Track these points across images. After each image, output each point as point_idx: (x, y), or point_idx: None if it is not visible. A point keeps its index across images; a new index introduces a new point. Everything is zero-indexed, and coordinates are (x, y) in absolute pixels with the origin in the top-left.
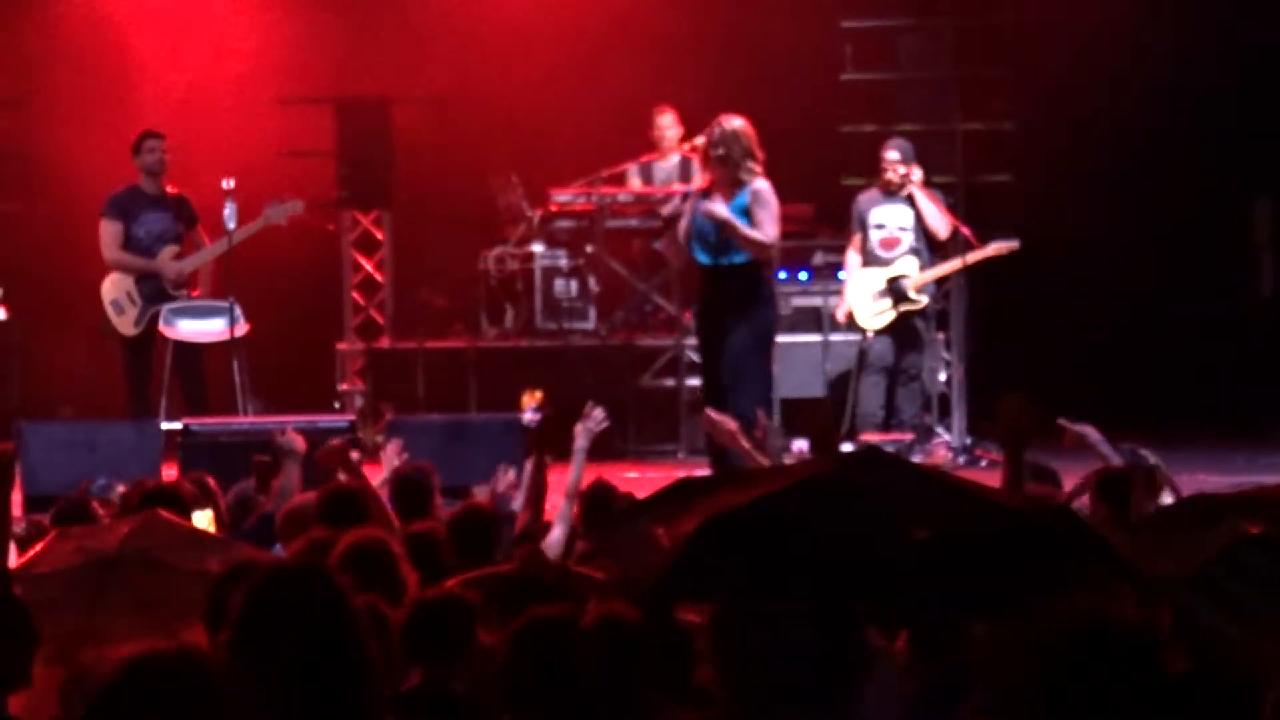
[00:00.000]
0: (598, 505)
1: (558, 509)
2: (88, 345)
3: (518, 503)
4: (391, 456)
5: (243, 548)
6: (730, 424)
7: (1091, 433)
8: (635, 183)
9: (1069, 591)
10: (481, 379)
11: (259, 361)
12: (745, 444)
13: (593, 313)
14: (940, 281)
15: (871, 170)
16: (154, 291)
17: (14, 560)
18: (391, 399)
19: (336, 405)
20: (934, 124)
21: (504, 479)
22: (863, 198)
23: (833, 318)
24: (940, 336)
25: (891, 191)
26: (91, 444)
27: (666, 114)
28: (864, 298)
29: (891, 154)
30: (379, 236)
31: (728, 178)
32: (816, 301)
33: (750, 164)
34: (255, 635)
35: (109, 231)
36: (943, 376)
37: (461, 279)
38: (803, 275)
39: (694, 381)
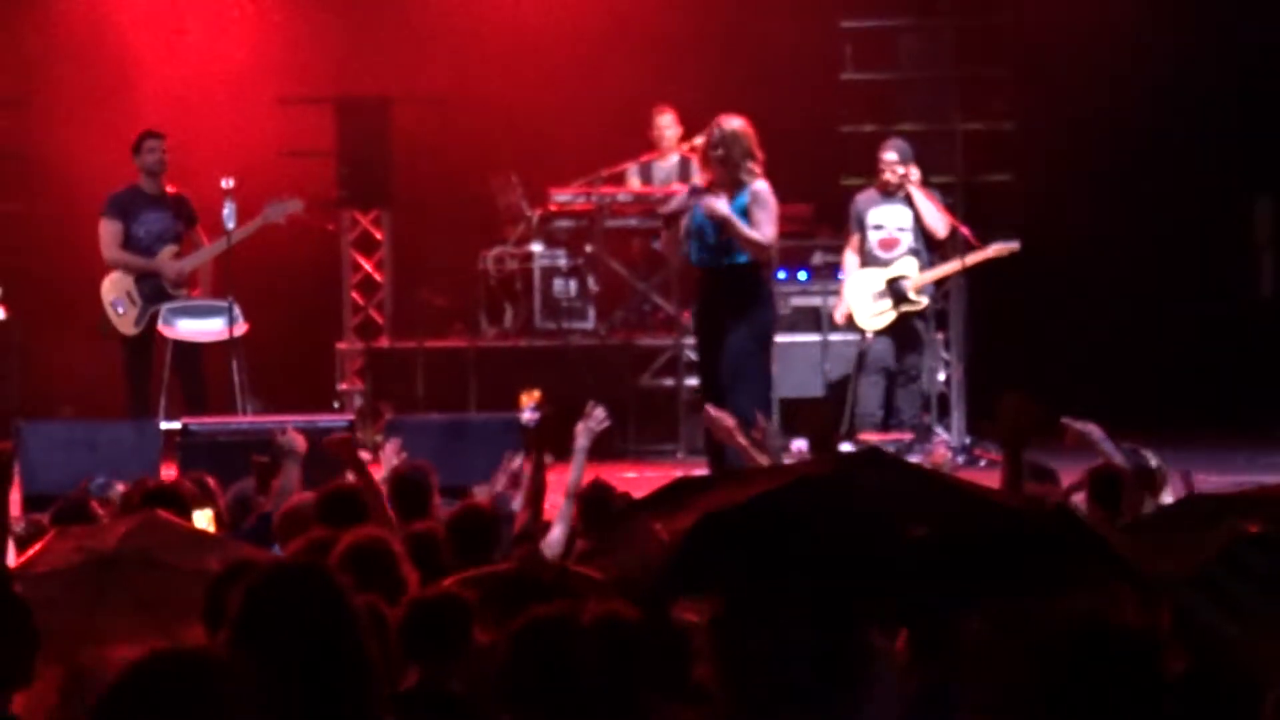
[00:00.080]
0: (596, 505)
1: (558, 508)
2: (87, 345)
3: (517, 502)
4: (390, 456)
5: (242, 547)
6: (728, 421)
7: (1094, 431)
8: (635, 182)
9: (1068, 591)
10: (481, 379)
11: (258, 361)
12: (743, 441)
13: (592, 312)
14: (939, 281)
15: (871, 170)
16: (154, 291)
17: (13, 559)
18: (391, 399)
19: (336, 405)
20: (934, 124)
21: (511, 466)
22: (860, 198)
23: (831, 318)
24: (940, 336)
25: (890, 192)
26: (91, 443)
27: (666, 114)
28: (863, 298)
29: (890, 155)
30: (378, 236)
31: (727, 179)
32: (815, 301)
33: (750, 164)
34: (254, 634)
35: (109, 231)
36: (942, 376)
37: (461, 279)
38: (802, 275)
39: (693, 381)
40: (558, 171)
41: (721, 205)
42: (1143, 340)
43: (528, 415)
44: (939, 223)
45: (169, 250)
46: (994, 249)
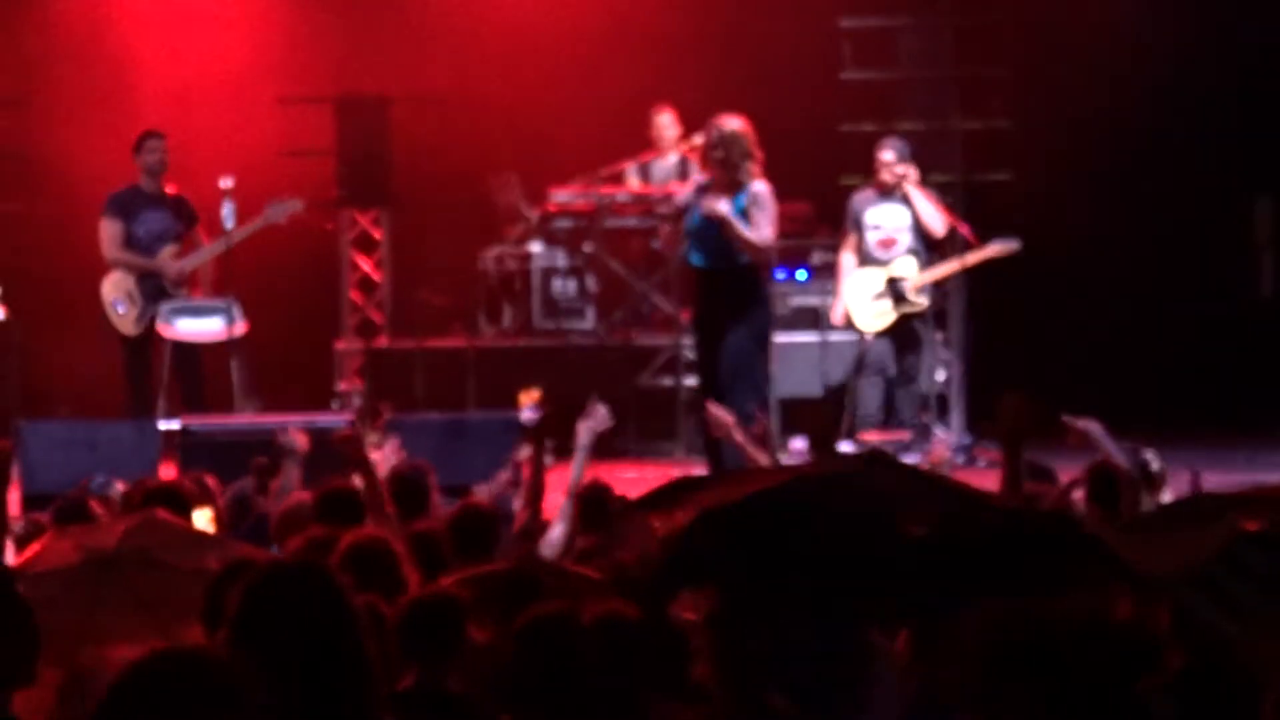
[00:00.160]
0: (593, 505)
1: (559, 507)
2: (87, 345)
3: (519, 502)
4: (389, 455)
5: (241, 546)
6: (728, 418)
7: (1095, 428)
8: (634, 182)
9: (1066, 591)
10: (480, 378)
11: (257, 360)
12: (741, 438)
13: (591, 312)
14: (939, 281)
15: (870, 169)
16: (154, 290)
17: (12, 558)
18: (390, 398)
19: (335, 404)
20: (933, 123)
21: (518, 457)
22: (857, 198)
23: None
24: (939, 336)
25: (887, 191)
26: (90, 443)
27: (665, 113)
28: (862, 299)
29: (887, 154)
30: (377, 236)
31: (726, 179)
32: (814, 301)
33: (749, 165)
34: (252, 633)
35: (109, 230)
36: (941, 376)
37: (460, 278)
38: (801, 274)
39: (692, 381)
40: (557, 171)
41: (722, 206)
42: (1142, 340)
43: (527, 414)
44: (937, 222)
45: (169, 250)
46: (993, 248)
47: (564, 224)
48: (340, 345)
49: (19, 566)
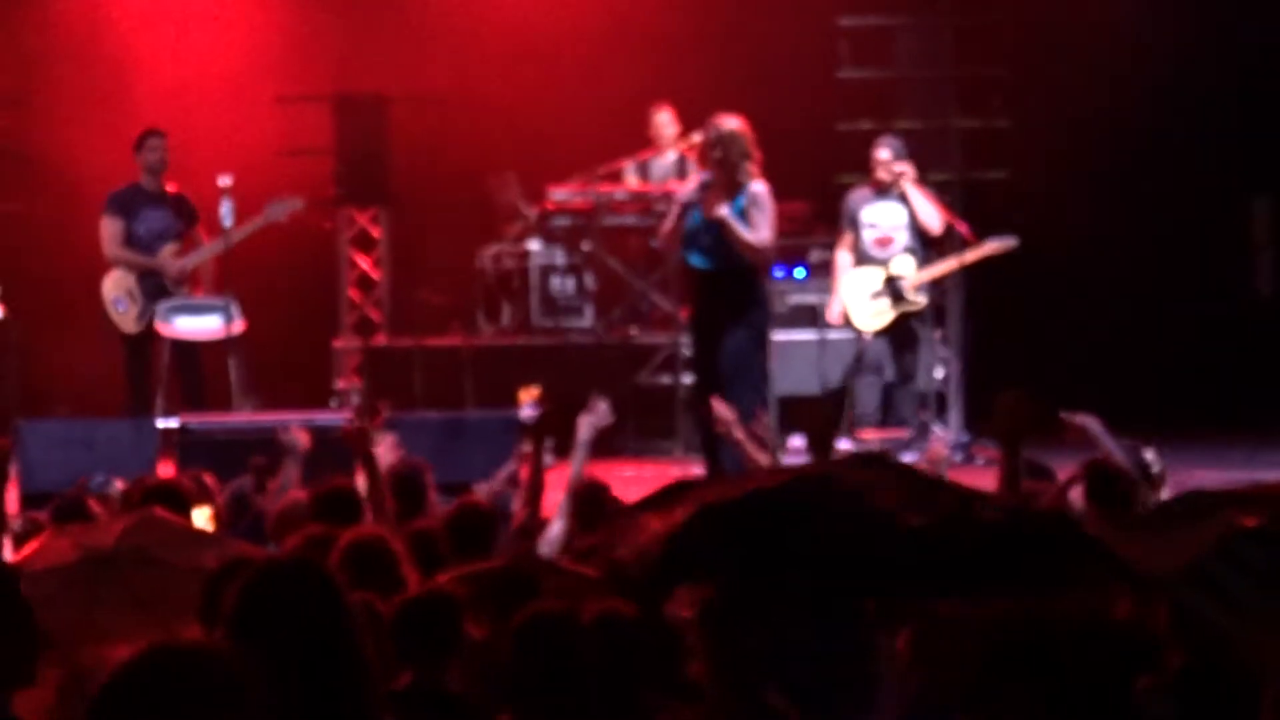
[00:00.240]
0: (589, 504)
1: (559, 504)
2: (87, 344)
3: (519, 501)
4: (385, 453)
5: (239, 545)
6: (730, 414)
7: (1093, 424)
8: (632, 180)
9: (1064, 590)
10: (478, 377)
11: (255, 359)
12: (741, 436)
13: (590, 310)
14: (937, 279)
15: (868, 168)
16: (155, 289)
17: (10, 556)
18: (388, 397)
19: (333, 403)
20: (931, 122)
21: (523, 450)
22: (853, 196)
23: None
24: (937, 334)
25: (883, 190)
26: (89, 441)
27: (664, 111)
28: (860, 298)
29: (883, 153)
30: (375, 234)
31: (725, 180)
32: (813, 299)
33: (747, 165)
34: (248, 631)
35: (110, 229)
36: (939, 374)
37: (458, 277)
38: (799, 272)
39: (691, 379)
40: (555, 169)
41: (721, 208)
42: (1141, 339)
43: (527, 412)
44: (934, 220)
45: (170, 248)
46: (991, 246)
47: (562, 222)
48: (338, 344)
49: (17, 564)
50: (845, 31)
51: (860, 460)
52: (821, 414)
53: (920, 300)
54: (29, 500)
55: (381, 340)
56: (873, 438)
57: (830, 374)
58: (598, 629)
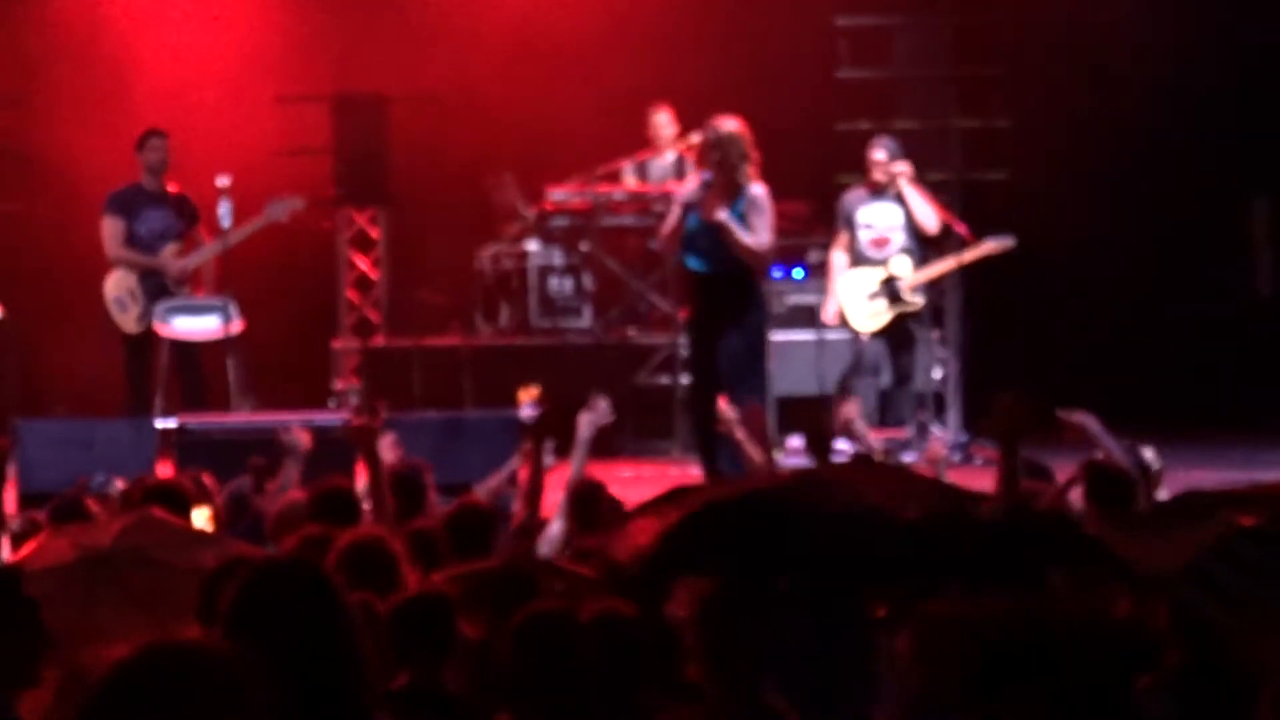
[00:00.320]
0: (586, 504)
1: (559, 504)
2: (86, 344)
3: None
4: (385, 452)
5: (237, 545)
6: (733, 414)
7: (1091, 422)
8: (631, 181)
9: (1060, 586)
10: (477, 377)
11: (254, 359)
12: (741, 435)
13: (588, 311)
14: (934, 279)
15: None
16: (157, 289)
17: (8, 556)
18: (387, 397)
19: (332, 403)
20: (930, 122)
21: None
22: (849, 196)
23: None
24: (935, 335)
25: (879, 190)
26: (87, 441)
27: (662, 112)
28: (857, 299)
29: (879, 154)
30: (374, 235)
31: (724, 182)
32: (811, 299)
33: (746, 166)
34: (246, 630)
35: (111, 229)
36: (938, 374)
37: (457, 277)
38: (798, 273)
39: (688, 380)
40: (554, 169)
41: (720, 212)
42: (1140, 339)
43: (526, 411)
44: (930, 219)
45: (171, 248)
46: (989, 245)
47: (561, 222)
48: (337, 344)
49: (15, 564)
50: (844, 31)
51: (857, 462)
52: (820, 415)
53: (917, 301)
54: (27, 500)
55: (380, 341)
56: (872, 438)
57: (829, 374)
58: (597, 629)
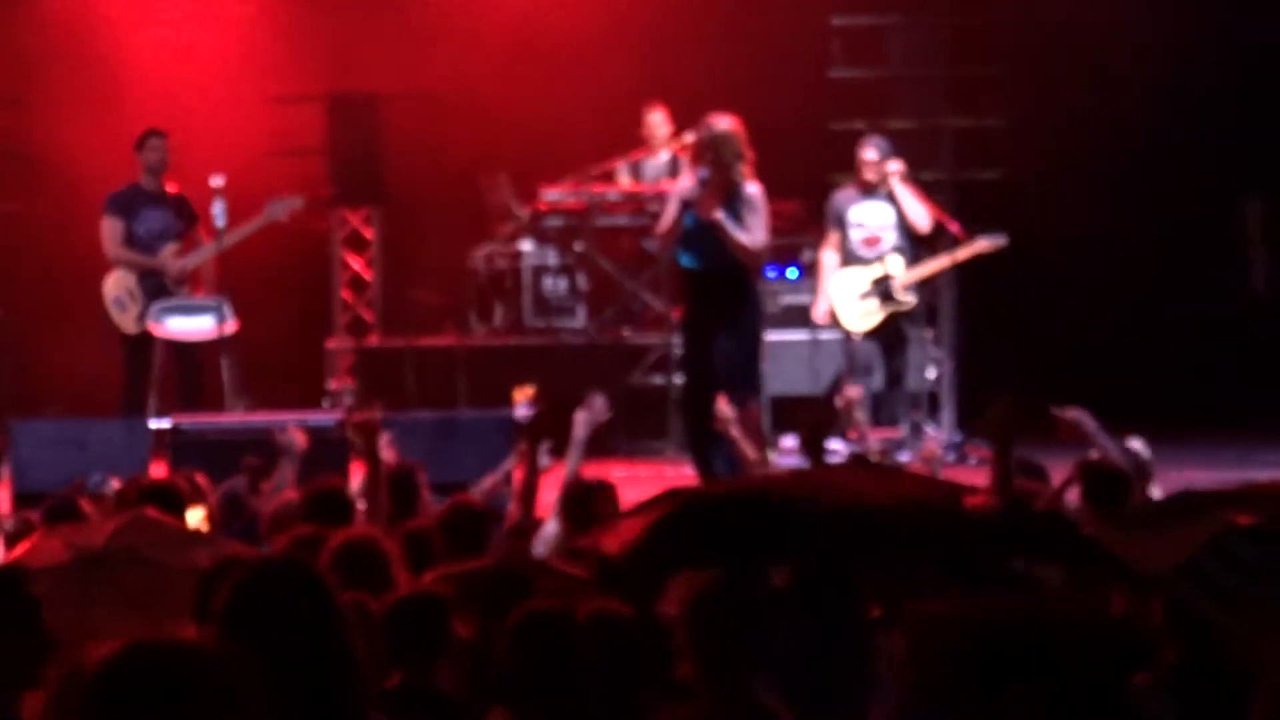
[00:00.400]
0: (579, 504)
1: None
2: (83, 344)
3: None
4: (380, 451)
5: (232, 544)
6: (730, 413)
7: (1085, 419)
8: (625, 180)
9: (1053, 582)
10: (471, 377)
11: (248, 359)
12: (737, 434)
13: (582, 310)
14: (927, 278)
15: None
16: (156, 289)
17: (1, 556)
18: (381, 397)
19: (326, 403)
20: (924, 121)
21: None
22: (839, 196)
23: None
24: (929, 334)
25: (870, 189)
26: (81, 442)
27: (656, 112)
28: (849, 298)
29: (869, 153)
30: (368, 235)
31: (719, 181)
32: (805, 299)
33: (740, 165)
34: (239, 630)
35: (110, 229)
36: (932, 374)
37: (451, 277)
38: (792, 272)
39: (681, 379)
40: (548, 169)
41: (715, 211)
42: (1135, 338)
43: (521, 411)
44: (922, 218)
45: (171, 248)
46: (981, 244)
47: (555, 222)
48: (331, 344)
49: (9, 564)
50: (837, 31)
51: (852, 462)
52: (814, 415)
53: (909, 300)
54: (21, 500)
55: (374, 340)
56: (867, 438)
57: (823, 374)
58: (594, 628)
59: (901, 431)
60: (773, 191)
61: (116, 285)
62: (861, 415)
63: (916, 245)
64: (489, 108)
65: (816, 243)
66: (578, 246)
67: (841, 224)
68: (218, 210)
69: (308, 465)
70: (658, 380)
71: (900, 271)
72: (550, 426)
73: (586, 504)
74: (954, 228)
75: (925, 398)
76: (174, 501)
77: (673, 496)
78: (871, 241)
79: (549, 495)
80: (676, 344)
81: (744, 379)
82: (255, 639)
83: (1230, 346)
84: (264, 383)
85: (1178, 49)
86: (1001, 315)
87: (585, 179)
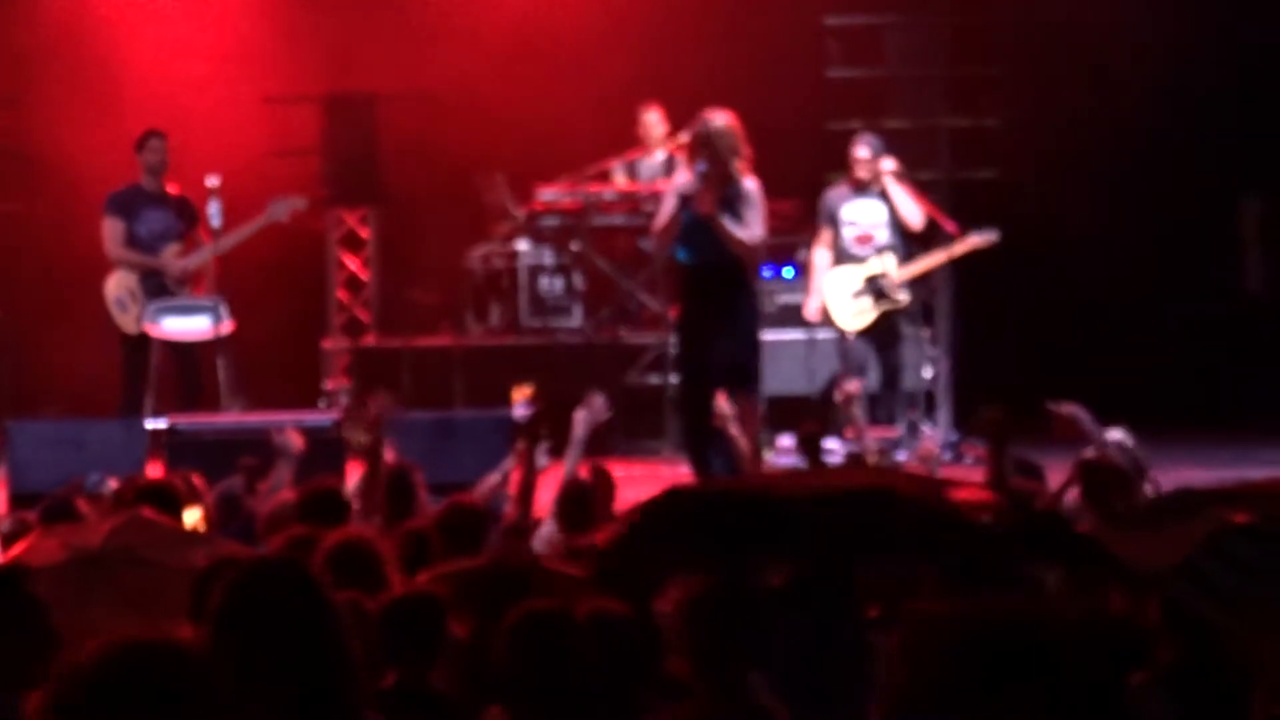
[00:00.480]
0: (575, 503)
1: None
2: (82, 344)
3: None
4: None
5: (228, 544)
6: (729, 410)
7: (1081, 414)
8: (620, 180)
9: (1051, 582)
10: (467, 377)
11: (244, 359)
12: (735, 431)
13: (578, 310)
14: (922, 277)
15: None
16: (157, 289)
17: None
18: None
19: (322, 404)
20: (920, 121)
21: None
22: (831, 194)
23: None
24: (926, 333)
25: (862, 187)
26: (78, 442)
27: (652, 111)
28: (842, 297)
29: (862, 151)
30: (364, 235)
31: (715, 177)
32: (801, 298)
33: (736, 161)
34: (234, 630)
35: (111, 229)
36: (928, 373)
37: (447, 277)
38: (788, 272)
39: (677, 378)
40: (544, 169)
41: (714, 206)
42: (1132, 339)
43: (520, 411)
44: (915, 215)
45: (172, 249)
46: (974, 240)
47: (551, 222)
48: (327, 344)
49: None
50: (835, 31)
51: (848, 462)
52: (813, 414)
53: (903, 298)
54: (18, 500)
55: (370, 341)
56: (865, 437)
57: (819, 374)
58: (592, 627)
59: (898, 430)
60: (770, 191)
61: (118, 285)
62: (859, 412)
63: (909, 243)
64: (485, 108)
65: (812, 242)
66: (574, 246)
67: (834, 222)
68: (213, 210)
69: (304, 466)
70: (654, 380)
71: (893, 269)
72: (549, 426)
73: (584, 504)
74: (948, 225)
75: (922, 397)
76: (171, 502)
77: (671, 495)
78: (864, 239)
79: (547, 495)
80: (673, 343)
81: (743, 375)
82: (250, 639)
83: (1228, 346)
84: (260, 383)
85: (1177, 49)
86: (998, 314)
87: (581, 179)
